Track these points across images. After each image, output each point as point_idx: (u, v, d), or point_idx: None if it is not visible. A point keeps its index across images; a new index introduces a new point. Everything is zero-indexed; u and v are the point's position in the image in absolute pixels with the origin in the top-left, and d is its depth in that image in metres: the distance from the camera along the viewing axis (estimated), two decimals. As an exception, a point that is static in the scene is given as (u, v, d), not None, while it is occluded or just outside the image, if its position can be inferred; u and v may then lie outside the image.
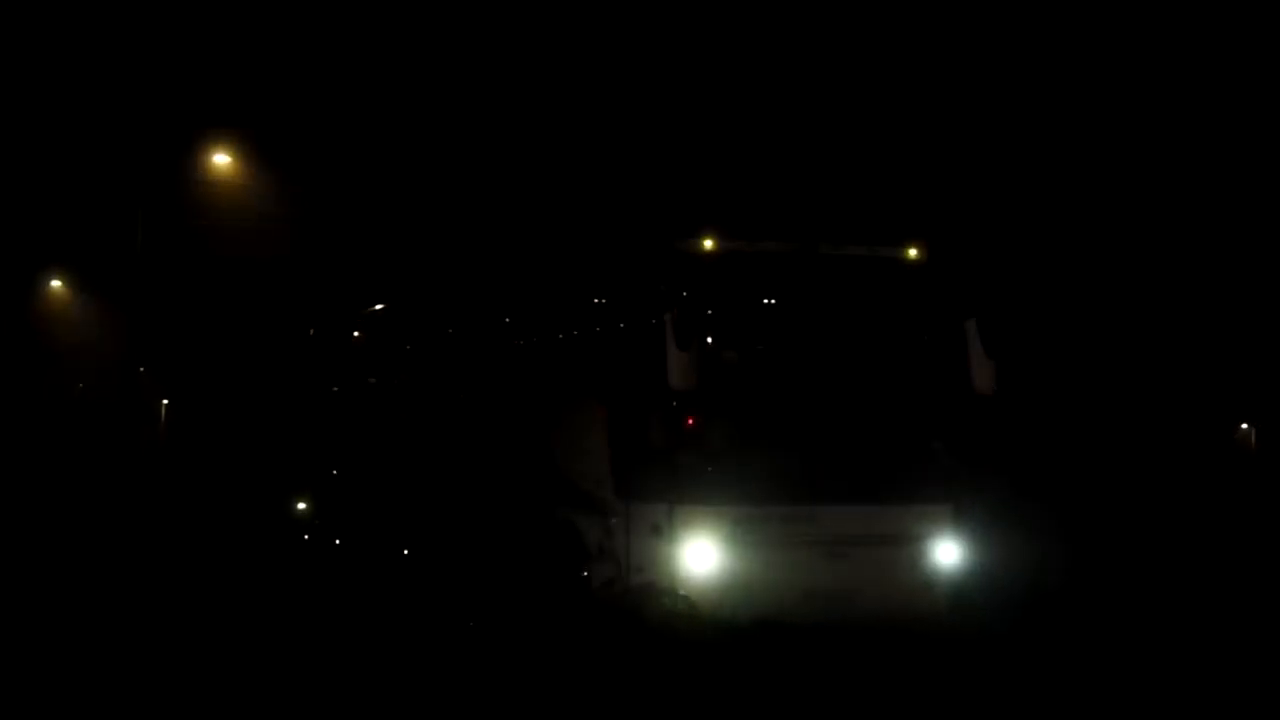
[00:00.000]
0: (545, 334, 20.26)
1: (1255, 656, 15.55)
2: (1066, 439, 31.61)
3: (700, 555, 16.79)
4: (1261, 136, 35.02)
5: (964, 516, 18.02)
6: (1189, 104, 35.36)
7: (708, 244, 17.35)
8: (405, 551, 23.20)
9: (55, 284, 49.89)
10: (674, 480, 16.85)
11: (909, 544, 17.66)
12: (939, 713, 12.85)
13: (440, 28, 39.62)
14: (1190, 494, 30.88)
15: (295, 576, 23.34)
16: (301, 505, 27.59)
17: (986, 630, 17.38)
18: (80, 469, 38.98)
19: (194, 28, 41.54)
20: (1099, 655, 15.88)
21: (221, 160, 37.32)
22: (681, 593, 16.66)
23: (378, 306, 26.55)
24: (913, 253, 18.23)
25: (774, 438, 17.43)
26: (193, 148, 37.53)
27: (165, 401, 48.55)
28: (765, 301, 17.87)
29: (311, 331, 29.16)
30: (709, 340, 17.03)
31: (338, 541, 26.00)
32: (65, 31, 41.25)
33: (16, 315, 48.34)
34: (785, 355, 17.72)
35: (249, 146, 37.62)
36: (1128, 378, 35.72)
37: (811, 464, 17.39)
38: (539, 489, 19.46)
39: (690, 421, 16.87)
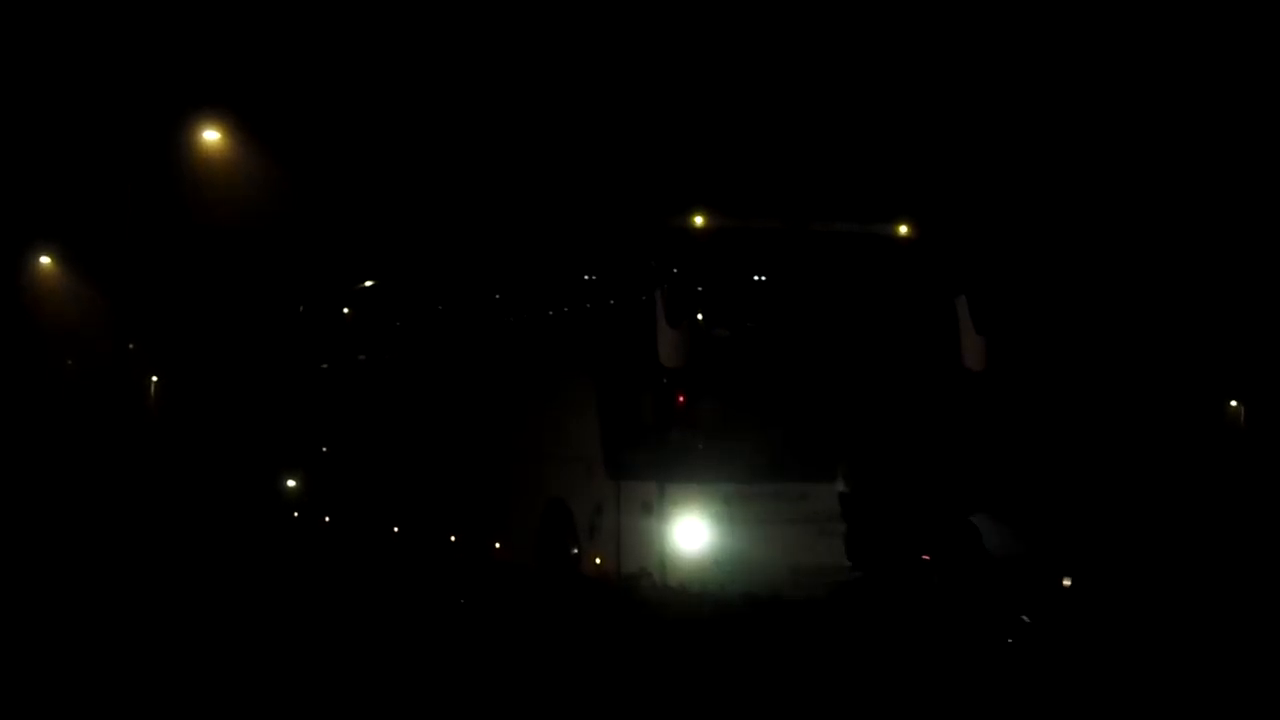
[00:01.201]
0: (536, 311, 20.23)
1: (1250, 638, 15.55)
2: (1057, 415, 31.64)
3: (691, 533, 16.78)
4: (1248, 115, 35.02)
5: (953, 493, 18.01)
6: (1177, 82, 35.34)
7: (699, 221, 17.32)
8: (395, 529, 23.19)
9: (44, 260, 49.79)
10: (665, 458, 16.84)
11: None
12: (928, 689, 12.86)
13: (429, 4, 39.49)
14: (1181, 471, 30.90)
15: (285, 554, 23.33)
16: (291, 482, 27.57)
17: (975, 607, 17.37)
18: (69, 445, 38.93)
19: (184, 3, 41.40)
20: (1088, 631, 15.89)
21: (211, 136, 37.23)
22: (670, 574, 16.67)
23: (367, 283, 26.52)
24: (903, 230, 18.22)
25: (765, 415, 17.43)
26: (182, 123, 37.45)
27: (154, 378, 48.51)
28: (756, 279, 17.84)
29: (301, 308, 29.12)
30: (700, 317, 17.01)
31: (327, 519, 25.99)
32: (55, 7, 41.10)
33: (5, 292, 48.24)
34: (776, 332, 17.70)
35: (239, 122, 37.54)
36: (1118, 354, 35.74)
37: (802, 441, 17.39)
38: (530, 467, 19.44)
39: (681, 399, 16.86)
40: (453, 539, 21.47)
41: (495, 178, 37.03)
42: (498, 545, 20.18)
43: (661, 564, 16.84)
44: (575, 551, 18.18)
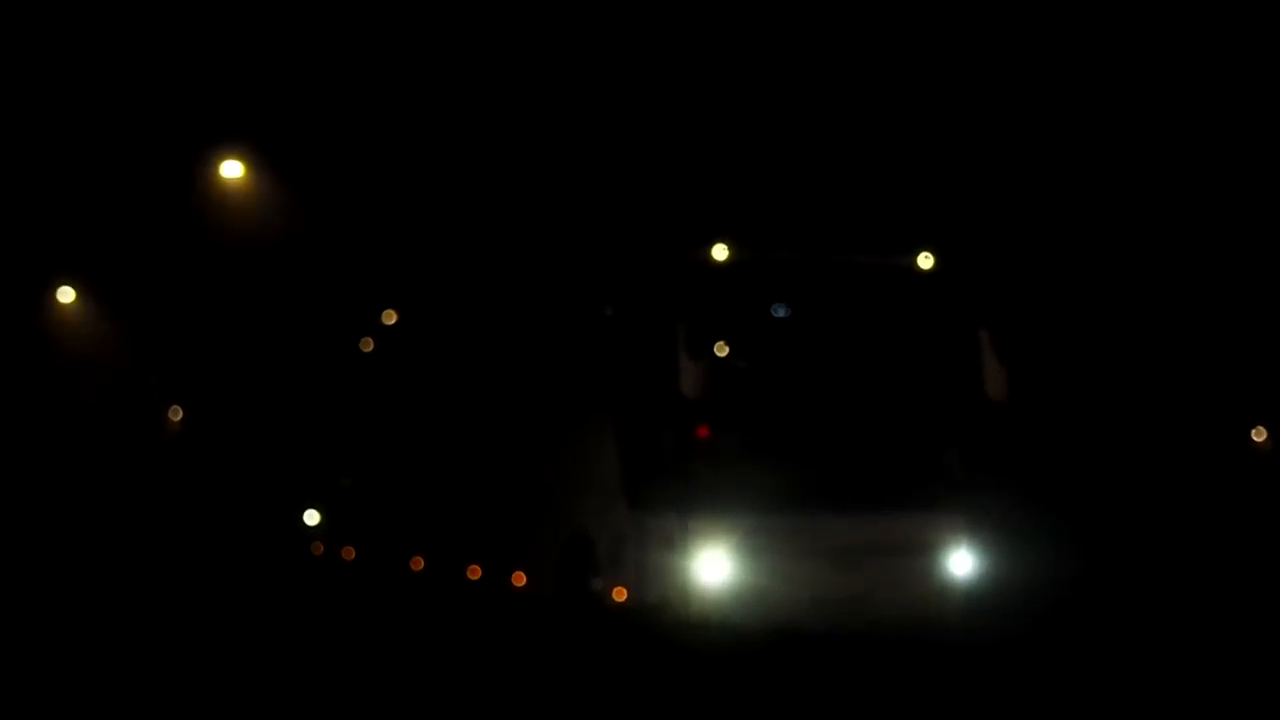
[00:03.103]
0: (556, 344, 20.23)
1: (1265, 669, 15.48)
2: (1080, 446, 31.57)
3: (712, 566, 16.76)
4: (1273, 143, 34.95)
5: (977, 525, 17.98)
6: (1200, 114, 35.33)
7: (720, 253, 17.31)
8: (419, 562, 23.18)
9: (65, 290, 49.88)
10: (686, 490, 16.82)
11: (921, 553, 17.64)
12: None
13: (449, 37, 39.61)
14: (1206, 501, 30.80)
15: (305, 586, 23.34)
16: (313, 516, 27.58)
17: (1000, 640, 17.32)
18: (88, 477, 38.98)
19: (204, 37, 41.57)
20: (1112, 666, 15.82)
21: (232, 169, 37.32)
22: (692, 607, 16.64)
23: (389, 317, 26.55)
24: (925, 261, 18.19)
25: (787, 447, 17.41)
26: (203, 155, 37.56)
27: (174, 410, 48.57)
28: (778, 310, 17.82)
29: (323, 341, 29.14)
30: (721, 350, 16.99)
31: (350, 552, 25.98)
32: (74, 39, 41.30)
33: (25, 324, 48.38)
34: (798, 364, 17.68)
35: (260, 154, 37.64)
36: (1142, 384, 35.65)
37: (824, 473, 17.37)
38: (551, 500, 19.42)
39: (703, 431, 16.85)
40: (475, 571, 21.45)
41: (516, 210, 37.09)
42: (520, 577, 20.16)
43: (683, 596, 16.81)
44: (597, 583, 18.16)
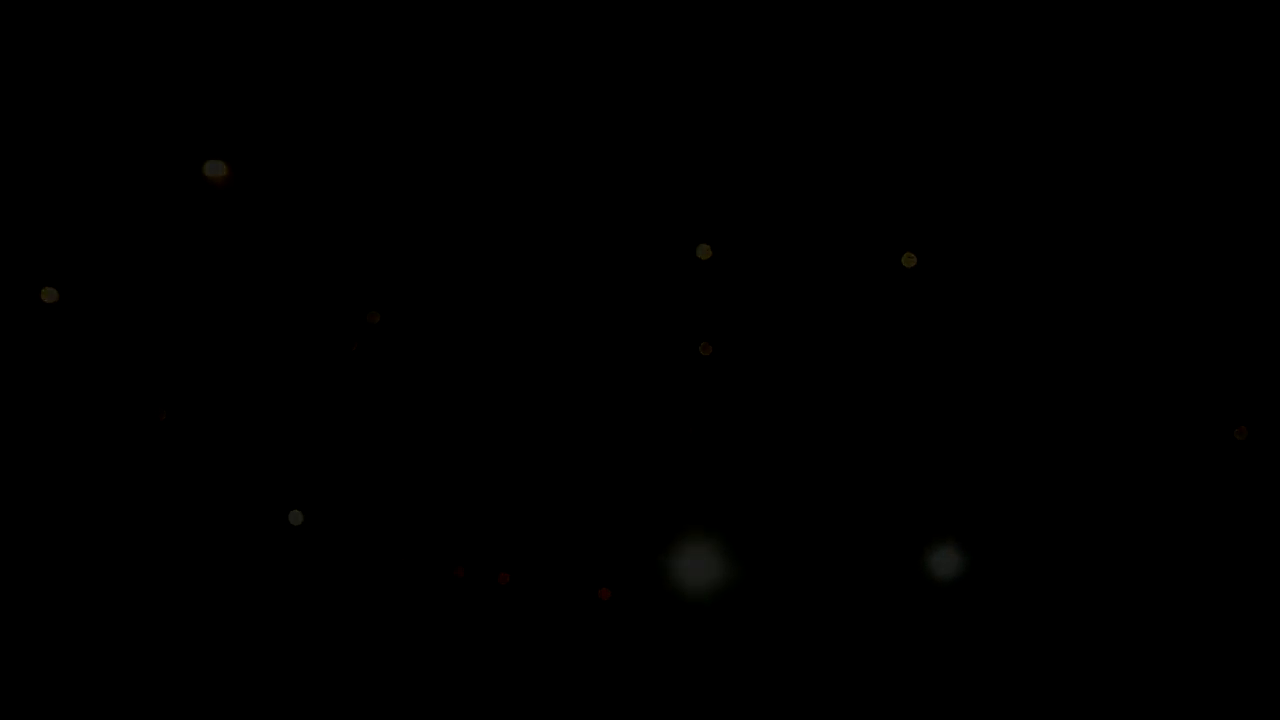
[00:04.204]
0: (542, 338, 20.31)
1: (1258, 663, 15.57)
2: (1068, 440, 31.77)
3: (701, 565, 16.83)
4: (1261, 130, 35.19)
5: (963, 524, 18.07)
6: (1184, 101, 35.62)
7: (704, 249, 17.41)
8: (406, 559, 23.27)
9: (49, 291, 50.02)
10: (673, 489, 16.89)
11: (909, 552, 17.72)
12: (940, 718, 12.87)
13: (437, 34, 39.84)
14: (1194, 496, 30.94)
15: (293, 583, 23.38)
16: (297, 516, 27.65)
17: (988, 636, 17.39)
18: (77, 472, 38.97)
19: (191, 32, 41.74)
20: (1103, 662, 15.91)
21: (216, 164, 37.42)
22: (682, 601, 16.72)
23: (374, 315, 26.63)
24: (909, 261, 18.30)
25: (773, 443, 17.49)
26: (189, 148, 37.65)
27: (162, 408, 48.66)
28: (763, 306, 17.92)
29: (313, 337, 29.20)
30: (706, 349, 17.08)
31: (337, 550, 26.07)
32: (64, 39, 41.47)
33: (18, 319, 48.53)
34: (783, 359, 17.77)
35: (247, 148, 37.75)
36: (1128, 379, 35.86)
37: (811, 470, 17.45)
38: (541, 495, 19.50)
39: (689, 430, 16.93)
40: (462, 569, 21.55)
41: (503, 207, 37.26)
42: (508, 574, 20.26)
43: (673, 592, 16.88)
44: (590, 582, 18.24)
